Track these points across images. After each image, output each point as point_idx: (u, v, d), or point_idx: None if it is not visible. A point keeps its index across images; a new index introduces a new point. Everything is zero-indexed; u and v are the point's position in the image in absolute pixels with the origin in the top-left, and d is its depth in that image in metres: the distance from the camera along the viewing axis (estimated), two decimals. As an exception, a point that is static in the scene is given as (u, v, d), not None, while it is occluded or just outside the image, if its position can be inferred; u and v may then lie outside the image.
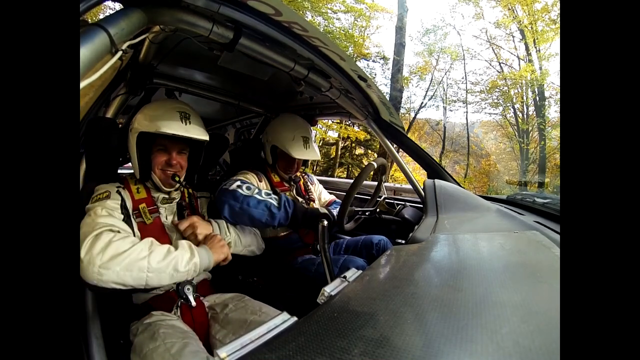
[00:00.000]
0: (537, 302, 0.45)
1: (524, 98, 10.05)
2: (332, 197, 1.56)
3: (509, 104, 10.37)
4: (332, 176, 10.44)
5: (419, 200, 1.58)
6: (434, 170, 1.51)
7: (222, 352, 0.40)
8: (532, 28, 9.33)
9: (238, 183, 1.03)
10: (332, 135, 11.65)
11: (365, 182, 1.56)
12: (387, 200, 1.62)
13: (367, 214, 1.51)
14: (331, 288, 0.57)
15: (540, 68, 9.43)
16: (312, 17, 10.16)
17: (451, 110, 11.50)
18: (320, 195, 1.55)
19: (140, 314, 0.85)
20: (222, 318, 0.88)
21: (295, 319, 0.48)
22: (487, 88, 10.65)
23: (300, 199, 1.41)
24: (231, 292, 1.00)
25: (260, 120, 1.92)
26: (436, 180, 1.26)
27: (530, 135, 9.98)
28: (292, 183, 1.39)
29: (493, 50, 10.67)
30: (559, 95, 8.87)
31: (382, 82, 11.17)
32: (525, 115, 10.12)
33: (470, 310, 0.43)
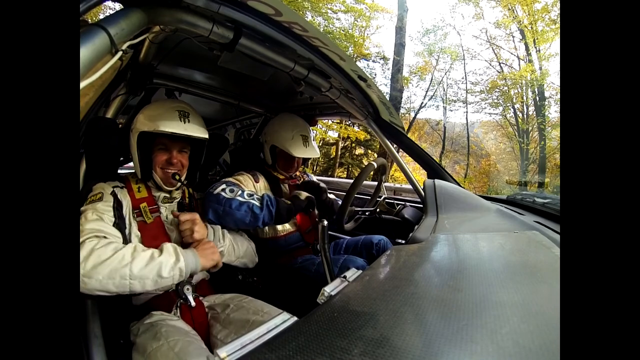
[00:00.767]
0: (537, 302, 0.45)
1: (524, 98, 10.06)
2: (332, 197, 1.56)
3: (509, 104, 10.38)
4: (332, 176, 10.45)
5: (419, 200, 1.58)
6: (434, 170, 1.51)
7: (222, 352, 0.40)
8: (532, 28, 9.33)
9: (223, 186, 1.03)
10: (332, 135, 11.67)
11: (365, 182, 1.56)
12: (387, 200, 1.62)
13: (367, 214, 1.51)
14: (331, 288, 0.57)
15: (540, 68, 9.44)
16: (312, 17, 10.17)
17: (451, 110, 11.53)
18: None
19: (140, 314, 0.85)
20: (224, 318, 0.88)
21: (295, 319, 0.48)
22: (487, 88, 10.66)
23: None
24: (231, 292, 1.00)
25: (260, 121, 1.92)
26: (436, 180, 1.26)
27: (530, 135, 9.99)
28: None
29: (493, 50, 10.69)
30: (559, 95, 8.87)
31: (382, 82, 11.20)
32: (525, 115, 10.13)
33: (470, 310, 0.43)
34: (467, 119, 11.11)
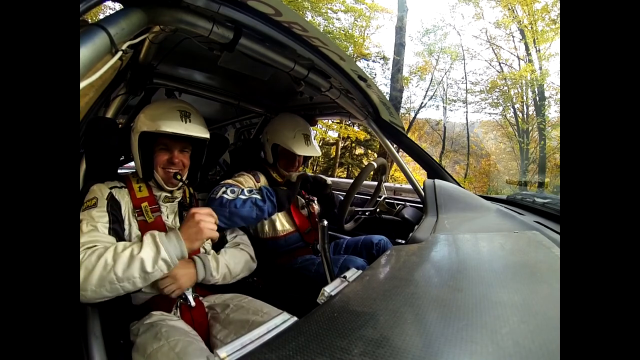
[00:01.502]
0: (537, 302, 0.45)
1: (524, 98, 10.06)
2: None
3: (509, 104, 10.38)
4: (332, 176, 10.44)
5: (419, 200, 1.58)
6: (434, 170, 1.51)
7: (222, 352, 0.40)
8: (532, 28, 9.33)
9: (223, 189, 1.06)
10: (332, 135, 11.67)
11: (365, 182, 1.57)
12: (387, 200, 1.62)
13: (367, 214, 1.51)
14: (331, 288, 0.57)
15: (540, 68, 9.44)
16: (312, 17, 10.17)
17: (451, 110, 11.53)
18: None
19: (139, 314, 0.85)
20: (224, 318, 0.88)
21: (295, 319, 0.48)
22: (487, 88, 10.66)
23: (301, 199, 1.41)
24: (231, 292, 1.00)
25: (260, 120, 1.92)
26: (436, 180, 1.26)
27: (530, 135, 9.99)
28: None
29: (493, 50, 10.69)
30: (559, 95, 8.87)
31: (382, 82, 11.21)
32: (525, 115, 10.13)
33: (470, 310, 0.43)
34: (467, 119, 11.13)
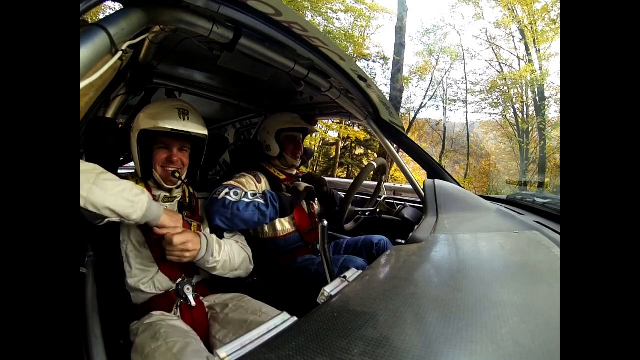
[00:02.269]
0: (537, 302, 0.45)
1: (524, 98, 10.06)
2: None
3: (509, 104, 10.38)
4: (332, 176, 10.44)
5: (419, 200, 1.58)
6: (434, 170, 1.51)
7: (222, 352, 0.40)
8: (532, 28, 9.33)
9: (226, 190, 1.05)
10: (332, 135, 11.68)
11: (365, 182, 1.57)
12: (387, 200, 1.62)
13: (367, 214, 1.51)
14: (331, 288, 0.57)
15: (540, 68, 9.44)
16: (312, 17, 10.17)
17: (451, 110, 11.53)
18: None
19: (140, 314, 0.85)
20: (223, 318, 0.88)
21: (295, 319, 0.48)
22: (487, 88, 10.66)
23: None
24: (231, 292, 1.00)
25: (260, 121, 1.92)
26: (436, 180, 1.26)
27: (530, 135, 9.99)
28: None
29: (493, 50, 10.69)
30: (559, 95, 8.87)
31: (382, 82, 11.21)
32: (525, 115, 10.13)
33: (470, 310, 0.43)
34: (467, 119, 11.13)
